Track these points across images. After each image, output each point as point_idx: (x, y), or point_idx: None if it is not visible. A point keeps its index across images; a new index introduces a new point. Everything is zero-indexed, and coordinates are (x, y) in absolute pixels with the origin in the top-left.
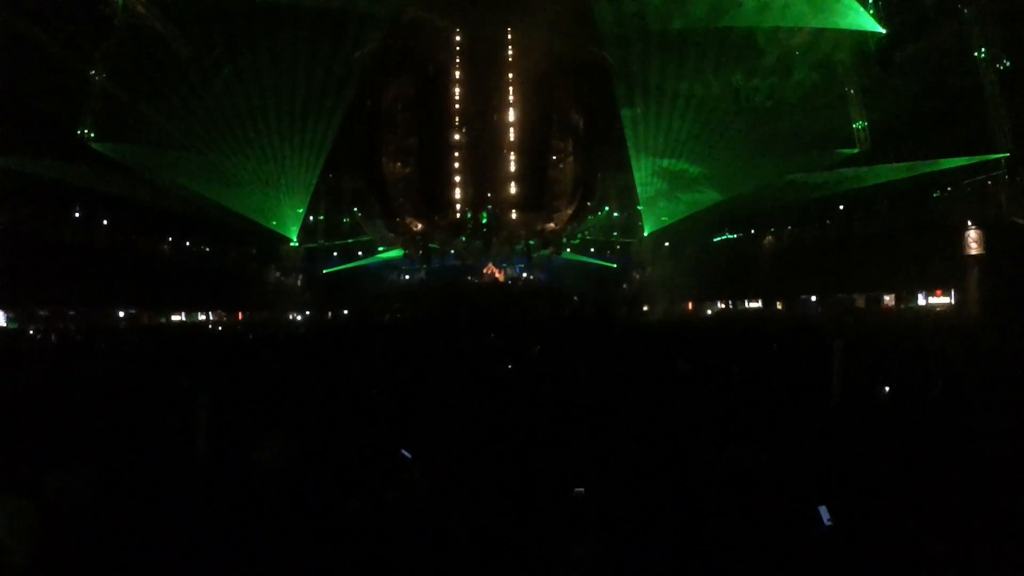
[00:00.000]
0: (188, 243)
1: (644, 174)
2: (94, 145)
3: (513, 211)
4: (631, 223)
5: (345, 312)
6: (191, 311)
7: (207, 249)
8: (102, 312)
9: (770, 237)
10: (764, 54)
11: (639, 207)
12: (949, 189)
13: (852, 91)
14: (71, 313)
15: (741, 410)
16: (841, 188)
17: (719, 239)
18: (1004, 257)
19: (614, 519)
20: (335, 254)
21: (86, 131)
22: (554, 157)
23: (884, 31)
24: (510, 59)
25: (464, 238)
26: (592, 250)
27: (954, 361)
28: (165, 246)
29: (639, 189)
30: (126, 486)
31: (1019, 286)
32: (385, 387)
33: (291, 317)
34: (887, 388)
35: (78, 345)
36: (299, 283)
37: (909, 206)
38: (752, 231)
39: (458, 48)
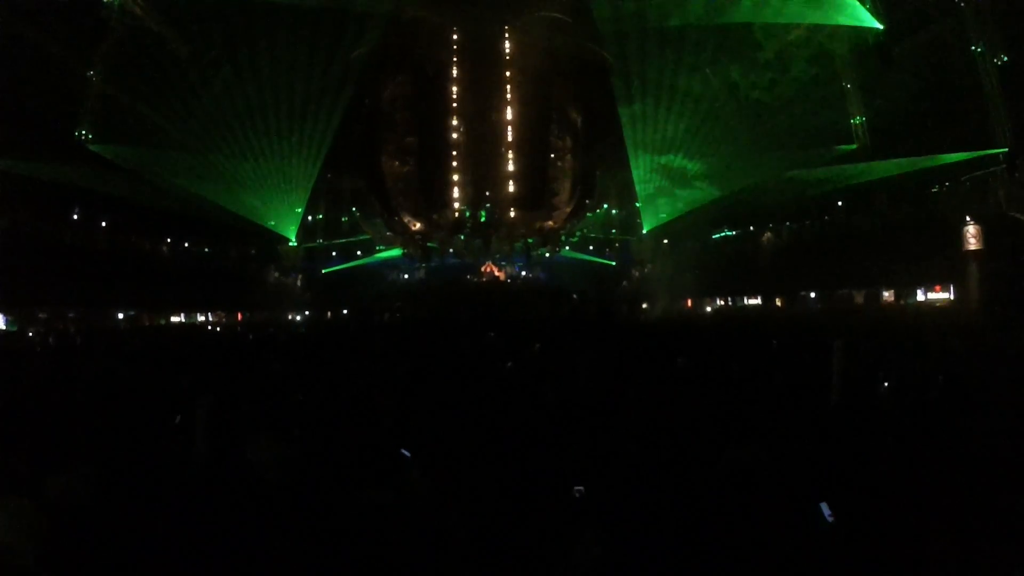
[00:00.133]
0: (187, 244)
1: (643, 171)
2: (92, 146)
3: (512, 209)
4: (630, 220)
5: (344, 312)
6: (191, 312)
7: (206, 250)
8: (102, 313)
9: (769, 234)
10: (763, 50)
11: (638, 204)
12: (948, 185)
13: (851, 87)
14: (71, 315)
15: (741, 409)
16: (840, 184)
17: (718, 236)
18: (1003, 252)
19: (614, 518)
20: (334, 254)
21: (84, 132)
22: (553, 155)
23: (882, 27)
24: (508, 57)
25: (463, 237)
26: (591, 248)
27: (954, 358)
28: (164, 247)
29: (638, 186)
30: (126, 487)
31: (1018, 281)
32: (385, 386)
33: (291, 317)
34: (886, 385)
35: (78, 347)
36: (298, 283)
37: (908, 202)
38: (751, 228)
39: (457, 47)
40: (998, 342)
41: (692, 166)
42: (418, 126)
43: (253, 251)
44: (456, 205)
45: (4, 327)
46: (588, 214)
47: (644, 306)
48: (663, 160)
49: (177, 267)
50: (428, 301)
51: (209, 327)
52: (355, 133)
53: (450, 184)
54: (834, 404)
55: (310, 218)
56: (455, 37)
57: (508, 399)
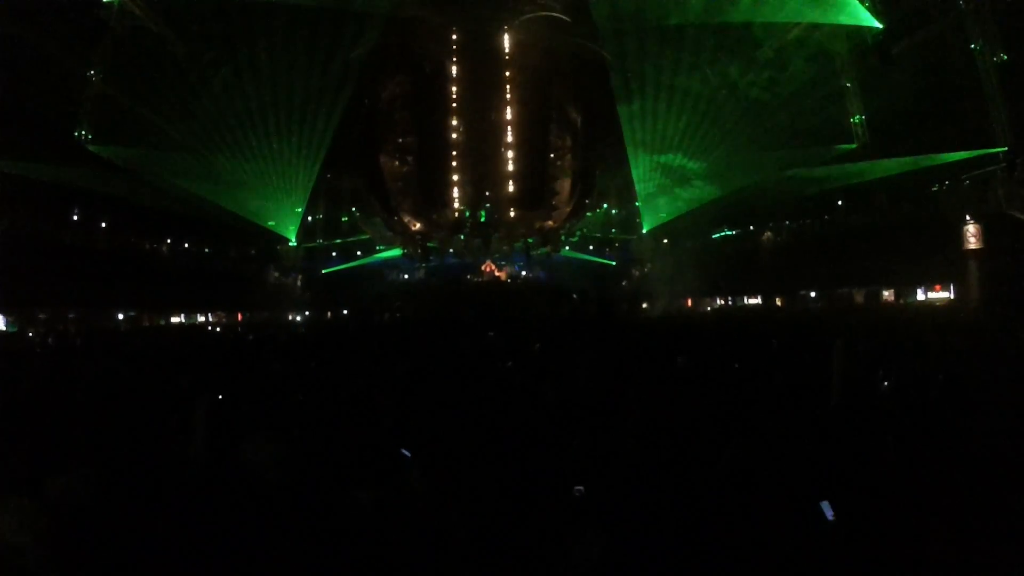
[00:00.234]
0: (187, 244)
1: (642, 171)
2: (92, 147)
3: (512, 209)
4: (630, 220)
5: (345, 312)
6: (191, 312)
7: (206, 250)
8: (102, 314)
9: (769, 233)
10: (762, 49)
11: (637, 204)
12: (948, 183)
13: (850, 86)
14: (71, 315)
15: (741, 408)
16: (839, 183)
17: (718, 235)
18: (1003, 251)
19: (614, 518)
20: (334, 254)
21: (84, 133)
22: (552, 154)
23: (882, 26)
24: (508, 57)
25: (463, 236)
26: (591, 247)
27: (954, 358)
28: (164, 247)
29: (638, 186)
30: (126, 487)
31: (1018, 281)
32: (385, 386)
33: (291, 317)
34: (886, 384)
35: (77, 347)
36: (298, 283)
37: (907, 201)
38: (751, 227)
39: (456, 46)
40: (998, 341)
41: (692, 165)
42: (417, 126)
43: (253, 251)
44: (456, 205)
45: (4, 328)
46: (588, 214)
47: (644, 305)
48: (663, 159)
49: (177, 267)
50: (428, 301)
51: (209, 327)
52: (355, 133)
53: (450, 184)
54: (834, 403)
55: (310, 218)
56: (454, 37)
57: (508, 399)
